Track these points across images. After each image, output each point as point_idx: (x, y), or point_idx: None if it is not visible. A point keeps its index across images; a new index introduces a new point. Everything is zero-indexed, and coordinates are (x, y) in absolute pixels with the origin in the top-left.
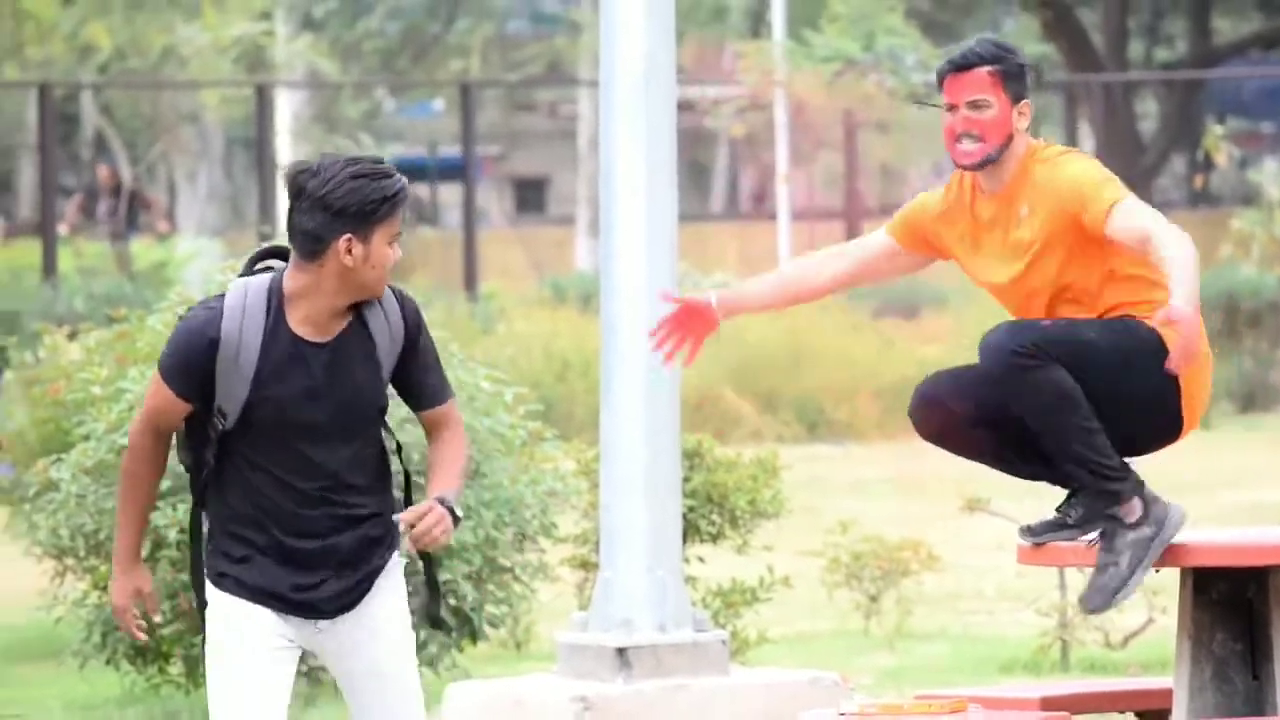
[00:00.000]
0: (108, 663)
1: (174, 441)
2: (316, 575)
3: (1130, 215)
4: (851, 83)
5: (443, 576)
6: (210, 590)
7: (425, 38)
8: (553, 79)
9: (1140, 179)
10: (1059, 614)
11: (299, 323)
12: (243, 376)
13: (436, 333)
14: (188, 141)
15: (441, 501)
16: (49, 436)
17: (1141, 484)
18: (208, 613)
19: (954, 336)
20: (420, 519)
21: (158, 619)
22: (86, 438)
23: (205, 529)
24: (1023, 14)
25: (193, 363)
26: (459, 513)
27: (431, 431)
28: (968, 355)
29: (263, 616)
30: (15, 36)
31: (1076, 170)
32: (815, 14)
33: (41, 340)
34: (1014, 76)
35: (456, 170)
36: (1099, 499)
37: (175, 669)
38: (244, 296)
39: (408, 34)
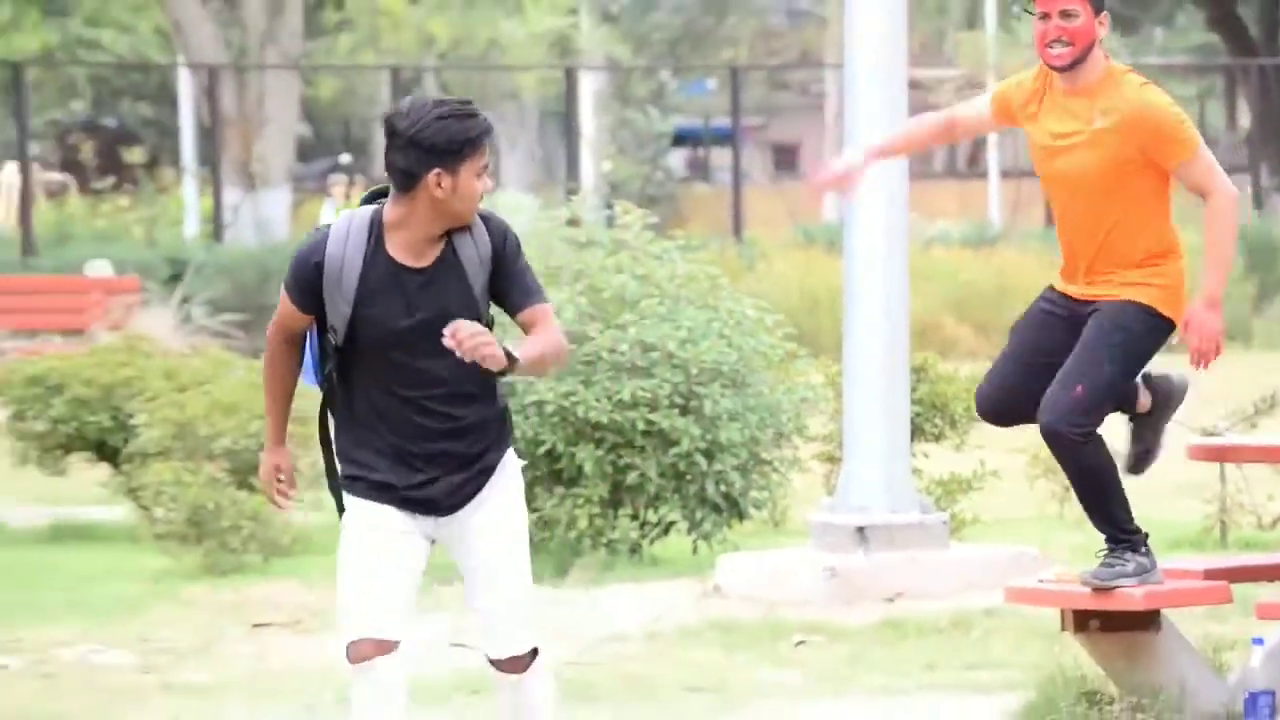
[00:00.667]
0: None
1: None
2: (429, 473)
3: (1198, 170)
4: None
5: (715, 467)
6: (345, 495)
7: (702, 28)
8: (805, 63)
9: None
10: (1219, 501)
11: (398, 250)
12: (345, 296)
13: (709, 270)
14: (509, 115)
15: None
16: None
17: (1147, 535)
18: (345, 516)
19: None
20: (462, 330)
21: None
22: None
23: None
24: (1191, 8)
25: (303, 281)
26: (515, 354)
27: (525, 331)
28: None
29: (388, 511)
30: (373, 29)
31: (1168, 106)
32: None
33: None
34: None
35: (726, 137)
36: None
37: None
38: (348, 225)
39: (688, 26)
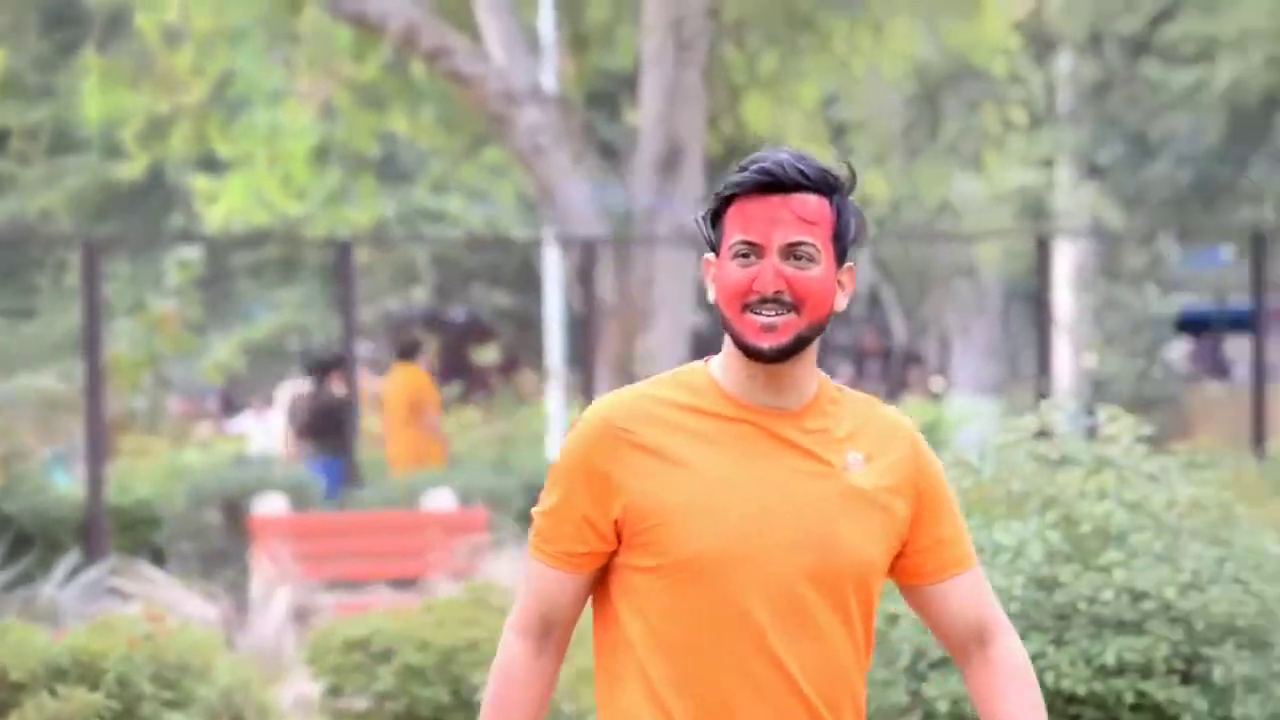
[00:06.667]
0: None
1: None
2: None
3: (977, 591)
4: None
5: None
6: None
7: (1215, 183)
8: None
9: None
10: None
11: None
12: None
13: (1221, 495)
14: (964, 294)
15: None
16: None
17: None
18: None
19: None
20: None
21: None
22: None
23: None
24: None
25: None
26: None
27: None
28: None
29: None
30: None
31: (941, 474)
32: None
33: None
34: (847, 222)
35: (1245, 322)
36: None
37: None
38: None
39: (1197, 181)
